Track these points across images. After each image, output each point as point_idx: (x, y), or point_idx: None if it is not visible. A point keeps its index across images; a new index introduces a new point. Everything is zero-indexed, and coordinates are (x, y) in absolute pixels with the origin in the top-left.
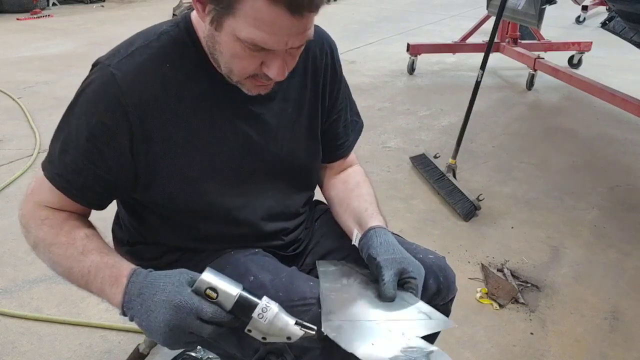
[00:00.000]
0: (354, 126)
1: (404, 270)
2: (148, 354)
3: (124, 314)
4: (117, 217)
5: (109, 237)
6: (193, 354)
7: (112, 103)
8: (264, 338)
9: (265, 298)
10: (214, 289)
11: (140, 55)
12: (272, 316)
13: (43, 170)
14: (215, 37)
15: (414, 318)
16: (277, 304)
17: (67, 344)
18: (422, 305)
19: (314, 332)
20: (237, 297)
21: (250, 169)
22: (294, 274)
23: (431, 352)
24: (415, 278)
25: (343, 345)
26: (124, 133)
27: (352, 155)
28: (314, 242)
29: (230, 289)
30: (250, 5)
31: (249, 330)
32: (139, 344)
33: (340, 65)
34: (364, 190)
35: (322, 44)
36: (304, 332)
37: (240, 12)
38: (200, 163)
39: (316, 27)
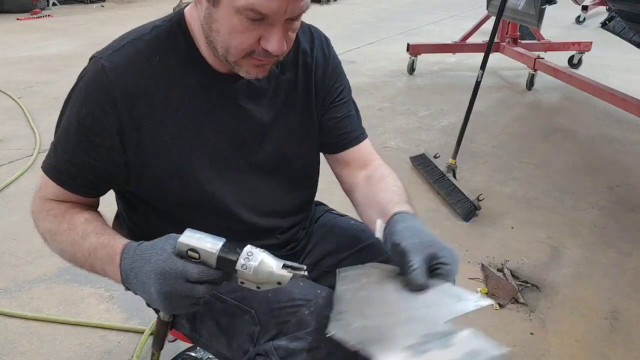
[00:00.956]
0: (359, 119)
1: (434, 255)
2: (170, 319)
3: (127, 289)
4: (117, 216)
5: None
6: (193, 354)
7: (101, 93)
8: (258, 287)
9: (247, 247)
10: (194, 250)
11: (131, 47)
12: (255, 266)
13: (42, 164)
14: (213, 14)
15: (439, 303)
16: (261, 250)
17: (67, 344)
18: (451, 288)
19: (303, 272)
20: (217, 254)
21: (239, 163)
22: None
23: (454, 333)
24: (447, 264)
25: (350, 344)
26: (113, 123)
27: (374, 153)
28: (312, 244)
29: (210, 247)
30: None
31: (242, 282)
32: (160, 313)
33: (334, 59)
34: (390, 183)
35: (312, 40)
36: (292, 274)
37: None
38: (190, 154)
39: (306, 24)
